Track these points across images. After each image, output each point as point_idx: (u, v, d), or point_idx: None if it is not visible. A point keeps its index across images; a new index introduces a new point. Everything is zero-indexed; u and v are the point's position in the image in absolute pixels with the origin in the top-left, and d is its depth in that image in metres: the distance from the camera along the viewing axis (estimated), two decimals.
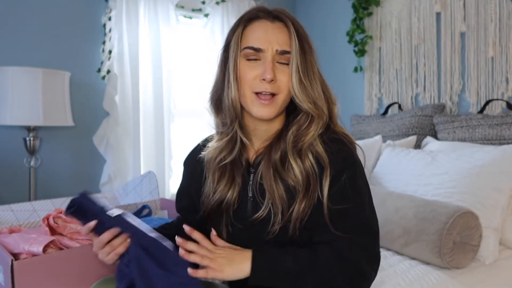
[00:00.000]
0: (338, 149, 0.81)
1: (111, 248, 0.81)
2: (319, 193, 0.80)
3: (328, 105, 0.85)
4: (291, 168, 0.81)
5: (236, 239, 0.87)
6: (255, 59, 0.82)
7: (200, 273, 0.75)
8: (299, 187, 0.80)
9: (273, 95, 0.82)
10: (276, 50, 0.81)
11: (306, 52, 0.82)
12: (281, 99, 0.83)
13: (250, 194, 0.86)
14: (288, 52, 0.81)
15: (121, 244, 0.81)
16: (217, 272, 0.76)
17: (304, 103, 0.81)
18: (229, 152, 0.87)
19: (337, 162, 0.80)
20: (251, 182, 0.87)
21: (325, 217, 0.79)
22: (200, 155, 0.94)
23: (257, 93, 0.82)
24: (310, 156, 0.81)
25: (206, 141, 0.96)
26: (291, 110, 0.88)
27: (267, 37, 0.82)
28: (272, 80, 0.80)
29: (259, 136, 0.89)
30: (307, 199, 0.79)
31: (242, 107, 0.86)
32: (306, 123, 0.83)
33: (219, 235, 0.87)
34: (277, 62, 0.82)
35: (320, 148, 0.81)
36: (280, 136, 0.86)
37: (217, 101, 0.88)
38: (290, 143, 0.83)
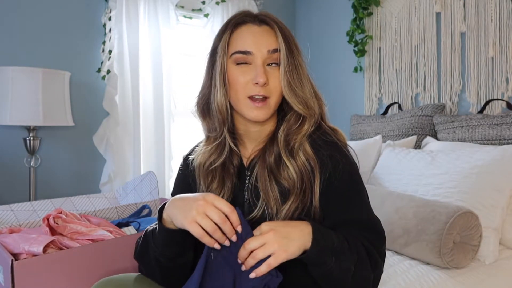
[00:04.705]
0: (329, 149, 0.82)
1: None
2: (310, 193, 0.80)
3: (319, 103, 0.86)
4: (286, 169, 0.81)
5: None
6: (245, 63, 0.83)
7: (269, 265, 0.68)
8: (293, 187, 0.80)
9: (265, 98, 0.82)
10: (268, 51, 0.82)
11: (294, 54, 0.83)
12: (273, 102, 0.83)
13: (246, 197, 0.87)
14: (277, 50, 0.82)
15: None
16: (282, 253, 0.69)
17: (295, 104, 0.82)
18: (218, 156, 0.88)
19: (328, 162, 0.80)
20: (247, 185, 0.87)
21: (315, 215, 0.80)
22: (188, 160, 0.94)
23: (250, 97, 0.82)
24: (302, 155, 0.82)
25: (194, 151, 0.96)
26: (279, 110, 0.89)
27: (256, 40, 0.82)
28: (265, 84, 0.81)
29: (252, 137, 0.90)
30: (300, 199, 0.80)
31: (233, 111, 0.87)
32: (298, 123, 0.84)
33: None
34: (267, 65, 0.83)
35: (308, 149, 0.82)
36: (273, 138, 0.87)
37: (204, 106, 0.89)
38: (282, 143, 0.83)
